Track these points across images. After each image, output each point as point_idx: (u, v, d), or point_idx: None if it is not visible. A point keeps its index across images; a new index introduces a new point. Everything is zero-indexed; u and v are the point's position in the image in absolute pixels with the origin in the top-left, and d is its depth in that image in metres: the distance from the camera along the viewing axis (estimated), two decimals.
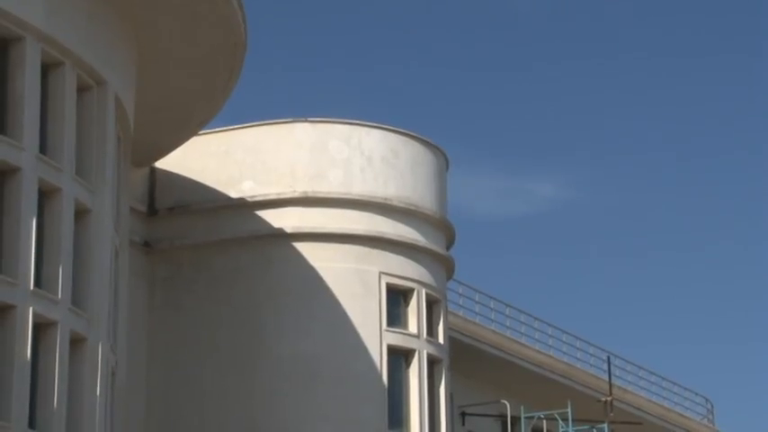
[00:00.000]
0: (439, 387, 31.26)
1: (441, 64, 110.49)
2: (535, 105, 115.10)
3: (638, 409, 43.68)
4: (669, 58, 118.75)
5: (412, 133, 32.05)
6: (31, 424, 21.63)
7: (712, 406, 52.45)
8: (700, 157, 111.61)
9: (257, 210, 30.48)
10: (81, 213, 23.50)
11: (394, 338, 30.42)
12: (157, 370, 30.00)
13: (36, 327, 21.96)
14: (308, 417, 29.28)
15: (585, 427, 37.61)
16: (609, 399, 39.61)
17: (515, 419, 37.50)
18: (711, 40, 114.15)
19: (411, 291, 31.02)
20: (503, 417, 37.83)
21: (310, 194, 30.46)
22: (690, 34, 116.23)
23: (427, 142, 32.28)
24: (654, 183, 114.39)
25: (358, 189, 30.84)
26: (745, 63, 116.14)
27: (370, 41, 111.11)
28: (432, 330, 31.33)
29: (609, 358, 41.61)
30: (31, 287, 21.88)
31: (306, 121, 31.26)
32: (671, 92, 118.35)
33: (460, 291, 36.34)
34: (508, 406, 37.34)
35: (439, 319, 31.74)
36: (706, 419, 50.00)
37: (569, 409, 36.24)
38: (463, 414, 36.23)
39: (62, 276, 22.61)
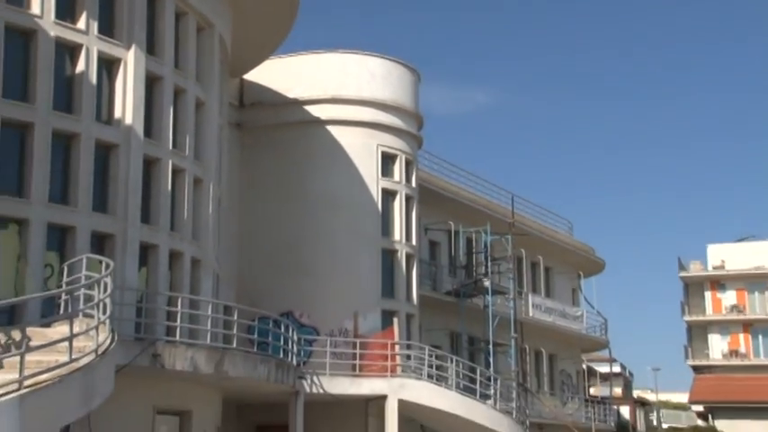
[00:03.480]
0: (411, 213, 32.52)
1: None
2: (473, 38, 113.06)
3: (528, 226, 42.88)
4: None
5: (398, 59, 32.72)
6: (173, 226, 23.09)
7: (571, 224, 52.17)
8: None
9: (304, 105, 31.22)
10: (199, 105, 24.60)
11: (385, 183, 31.69)
12: (244, 200, 30.47)
13: (174, 172, 23.11)
14: (330, 231, 30.20)
15: (497, 237, 37.32)
16: (512, 221, 39.99)
17: (456, 233, 37.57)
18: None
19: (396, 155, 32.18)
20: (449, 231, 37.70)
21: (336, 96, 31.33)
22: None
23: (407, 65, 33.06)
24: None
25: (365, 93, 31.74)
26: None
27: None
28: (408, 179, 32.52)
29: (513, 197, 41.65)
30: (170, 148, 23.13)
31: (334, 51, 31.91)
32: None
33: (426, 156, 36.71)
34: (452, 225, 37.47)
35: (412, 173, 32.91)
36: (568, 231, 49.42)
37: (488, 227, 36.67)
38: (426, 229, 36.13)
39: (188, 142, 23.83)
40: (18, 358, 11.53)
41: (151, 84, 22.87)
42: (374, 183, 31.59)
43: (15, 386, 11.18)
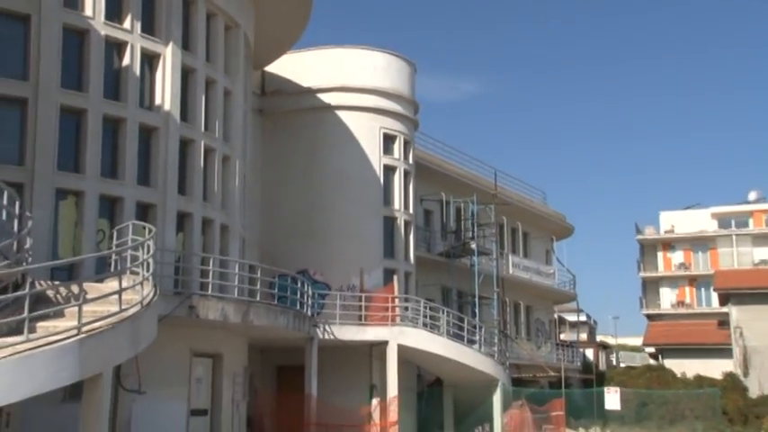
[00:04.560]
0: (409, 185, 32.56)
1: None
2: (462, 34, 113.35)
3: (508, 197, 42.45)
4: None
5: (397, 53, 32.62)
6: (205, 196, 23.05)
7: (545, 194, 51.70)
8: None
9: (317, 93, 31.14)
10: (227, 93, 24.44)
11: (386, 160, 31.66)
12: (265, 175, 30.37)
13: (205, 151, 23.08)
14: (339, 201, 30.30)
15: (482, 206, 37.49)
16: (494, 192, 39.53)
17: (447, 202, 37.57)
18: None
19: (395, 136, 32.18)
20: (441, 201, 37.69)
21: (344, 86, 31.24)
22: None
23: (405, 58, 32.94)
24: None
25: (369, 83, 31.63)
26: None
27: None
28: (406, 156, 32.53)
29: (495, 172, 41.38)
30: (203, 130, 23.04)
31: (342, 47, 31.80)
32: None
33: (421, 137, 36.50)
34: (443, 195, 37.48)
35: (410, 151, 32.90)
36: (542, 201, 49.02)
37: (474, 197, 36.73)
38: (421, 199, 35.93)
39: (217, 125, 23.73)
40: (77, 309, 11.55)
41: (186, 75, 22.84)
42: (377, 160, 31.55)
43: (75, 332, 11.24)
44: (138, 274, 14.28)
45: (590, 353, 56.45)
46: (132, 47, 21.39)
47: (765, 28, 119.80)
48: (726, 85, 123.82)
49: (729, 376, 45.16)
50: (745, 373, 46.15)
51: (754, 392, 42.23)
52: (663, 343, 59.59)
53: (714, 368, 48.68)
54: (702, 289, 65.23)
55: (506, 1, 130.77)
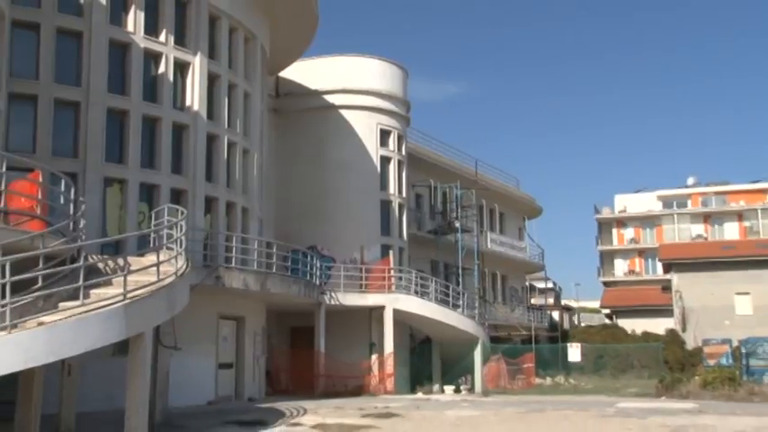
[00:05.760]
0: (402, 173, 32.26)
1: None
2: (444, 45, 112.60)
3: (487, 182, 42.25)
4: None
5: (393, 60, 32.46)
6: (228, 183, 23.02)
7: (518, 180, 51.47)
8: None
9: (323, 95, 30.85)
10: (246, 96, 24.38)
11: (383, 152, 31.43)
12: (279, 165, 29.78)
13: (228, 145, 22.93)
14: (343, 187, 30.05)
15: (465, 190, 37.14)
16: (475, 179, 40.02)
17: (435, 188, 37.06)
18: None
19: (390, 131, 31.87)
20: (429, 186, 37.10)
21: (347, 88, 31.02)
22: None
23: (398, 64, 32.65)
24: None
25: (368, 86, 31.38)
26: None
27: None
28: (400, 149, 32.25)
29: (476, 161, 41.71)
30: (226, 127, 22.99)
31: (345, 55, 31.51)
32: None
33: (412, 132, 35.51)
34: (432, 182, 37.05)
35: (403, 144, 32.61)
36: (516, 185, 48.48)
37: (458, 183, 36.56)
38: (413, 185, 35.46)
39: (238, 123, 23.69)
40: (122, 278, 11.61)
41: (212, 80, 22.79)
42: (375, 151, 31.34)
43: (121, 298, 11.27)
44: (172, 249, 14.26)
45: (556, 314, 56.43)
46: (166, 57, 21.38)
47: (701, 28, 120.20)
48: (666, 82, 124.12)
49: (670, 332, 45.67)
50: (683, 329, 46.36)
51: (690, 345, 42.49)
52: (616, 305, 59.86)
53: (658, 326, 49.35)
54: (649, 260, 65.32)
55: (479, 17, 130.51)
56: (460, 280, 35.82)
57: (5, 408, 12.46)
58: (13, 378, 11.25)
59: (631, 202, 69.44)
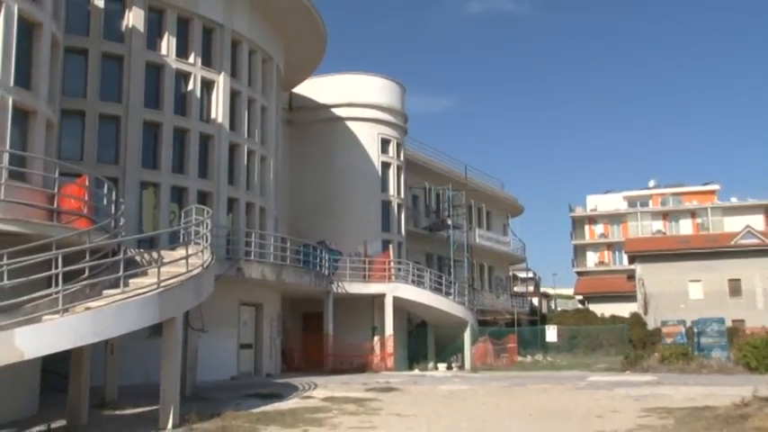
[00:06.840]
0: (400, 177, 31.87)
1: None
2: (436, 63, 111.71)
3: (475, 185, 41.96)
4: None
5: (393, 78, 32.15)
6: (248, 186, 22.79)
7: (503, 182, 50.99)
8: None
9: (331, 108, 30.50)
10: (264, 109, 24.20)
11: (383, 158, 31.12)
12: (292, 170, 29.58)
13: (248, 152, 22.83)
14: (348, 189, 29.77)
15: (456, 192, 36.88)
16: (465, 181, 39.74)
17: (429, 189, 37.02)
18: None
19: (390, 140, 31.58)
20: (425, 188, 36.89)
21: (352, 102, 30.74)
22: None
23: (397, 81, 32.33)
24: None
25: (371, 100, 31.10)
26: None
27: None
28: (398, 155, 31.92)
29: (465, 166, 41.38)
30: (246, 137, 22.70)
31: (350, 73, 31.10)
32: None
33: (410, 140, 34.84)
34: (427, 184, 36.83)
35: (401, 151, 32.28)
36: (500, 187, 47.79)
37: (450, 186, 36.46)
38: (410, 187, 35.01)
39: (257, 133, 23.49)
40: (156, 269, 11.54)
41: (234, 96, 22.65)
42: (376, 158, 31.07)
43: (155, 286, 11.26)
44: (199, 244, 14.15)
45: (535, 300, 56.47)
46: (195, 76, 21.33)
47: (654, 51, 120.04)
48: (631, 97, 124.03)
49: (634, 315, 46.04)
50: (645, 312, 46.69)
51: (651, 325, 42.67)
52: (588, 292, 59.89)
53: (624, 309, 49.46)
54: (617, 252, 65.34)
55: (468, 41, 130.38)
56: (452, 270, 35.51)
57: (62, 381, 12.57)
58: (66, 355, 11.37)
59: (601, 202, 69.44)
